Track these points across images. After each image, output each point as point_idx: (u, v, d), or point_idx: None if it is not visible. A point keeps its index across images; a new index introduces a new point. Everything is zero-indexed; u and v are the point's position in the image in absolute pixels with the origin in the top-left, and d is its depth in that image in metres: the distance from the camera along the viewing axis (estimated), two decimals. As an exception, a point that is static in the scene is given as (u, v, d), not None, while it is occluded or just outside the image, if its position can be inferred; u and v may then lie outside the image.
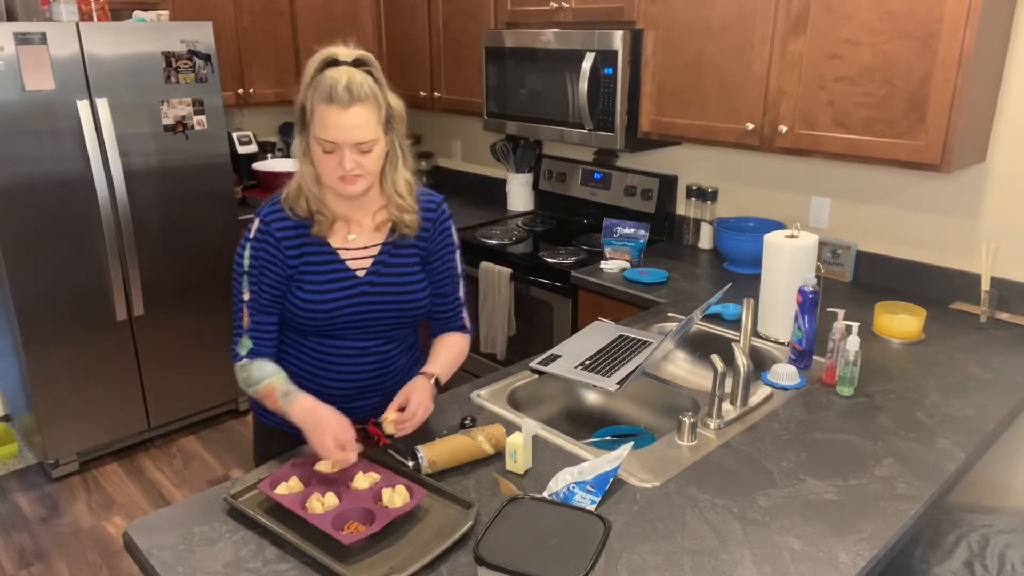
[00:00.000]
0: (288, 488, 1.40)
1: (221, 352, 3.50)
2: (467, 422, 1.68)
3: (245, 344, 1.57)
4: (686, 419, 1.61)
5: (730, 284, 2.46)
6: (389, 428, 1.50)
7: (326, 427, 1.44)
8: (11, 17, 2.93)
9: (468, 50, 3.39)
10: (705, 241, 2.98)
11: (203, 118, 3.25)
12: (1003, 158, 2.24)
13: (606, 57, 2.69)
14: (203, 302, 3.41)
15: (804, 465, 1.52)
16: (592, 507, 1.36)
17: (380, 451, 1.57)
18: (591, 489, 1.38)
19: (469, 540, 1.27)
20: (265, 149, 4.08)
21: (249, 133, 3.92)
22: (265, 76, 3.80)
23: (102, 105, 2.96)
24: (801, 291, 1.85)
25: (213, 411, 3.63)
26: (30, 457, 3.38)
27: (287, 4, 3.80)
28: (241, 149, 3.84)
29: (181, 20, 3.38)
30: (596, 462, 1.42)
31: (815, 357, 1.97)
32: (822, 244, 2.60)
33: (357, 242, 1.59)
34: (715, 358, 1.65)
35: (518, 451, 1.49)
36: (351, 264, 1.58)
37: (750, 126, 2.40)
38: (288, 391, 1.53)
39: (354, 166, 1.46)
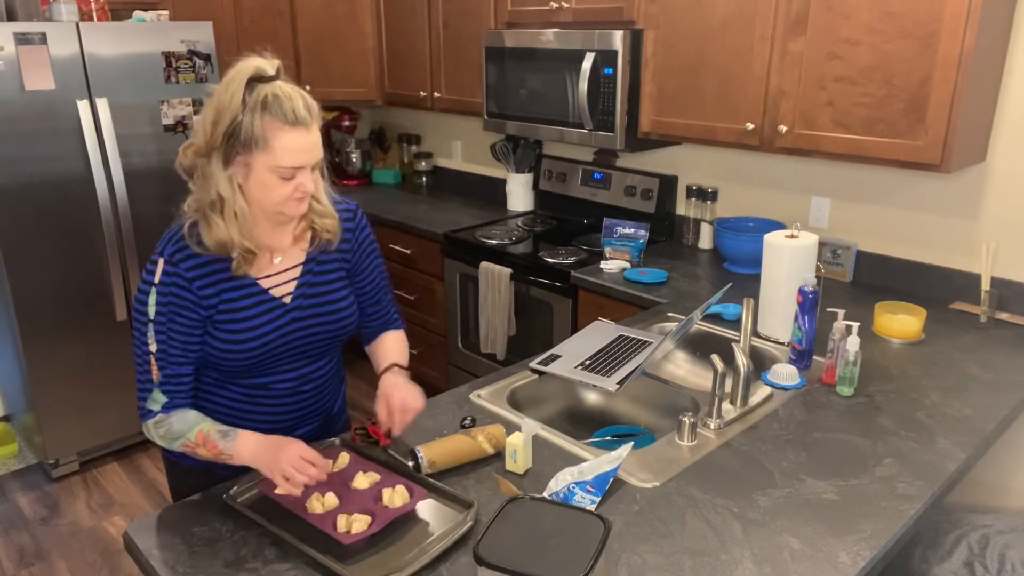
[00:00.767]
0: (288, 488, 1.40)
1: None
2: (467, 422, 1.68)
3: (157, 399, 1.41)
4: (686, 419, 1.61)
5: (730, 284, 2.46)
6: (324, 476, 1.39)
7: (287, 450, 1.34)
8: (11, 17, 2.93)
9: (468, 50, 3.39)
10: (705, 241, 2.98)
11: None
12: (1003, 158, 2.24)
13: (606, 57, 2.69)
14: (203, 302, 3.41)
15: (804, 465, 1.52)
16: (592, 507, 1.36)
17: (380, 451, 1.57)
18: (591, 489, 1.38)
19: (469, 540, 1.27)
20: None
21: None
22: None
23: (102, 105, 2.96)
24: (801, 291, 1.85)
25: (213, 411, 3.63)
26: (30, 457, 3.38)
27: (287, 4, 3.80)
28: (241, 149, 3.84)
29: (181, 20, 3.38)
30: (596, 462, 1.42)
31: (815, 357, 1.97)
32: (822, 244, 2.60)
33: (278, 266, 1.47)
34: (715, 358, 1.65)
35: (518, 451, 1.49)
36: (275, 292, 1.46)
37: (750, 126, 2.40)
38: (226, 431, 1.40)
39: (311, 185, 1.37)
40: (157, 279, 1.38)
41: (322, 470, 1.35)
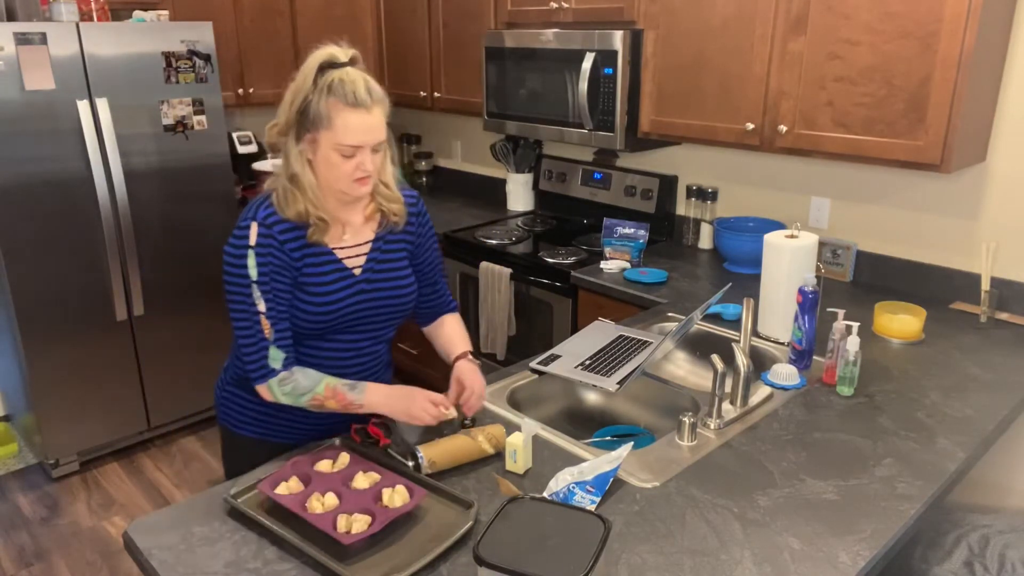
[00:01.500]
0: (288, 488, 1.40)
1: (221, 352, 3.50)
2: (467, 422, 1.68)
3: (275, 356, 1.49)
4: (686, 419, 1.61)
5: (730, 284, 2.46)
6: (455, 413, 1.55)
7: (414, 396, 1.52)
8: (11, 17, 2.93)
9: (468, 50, 3.39)
10: (705, 241, 2.98)
11: (203, 118, 3.25)
12: (1003, 158, 2.24)
13: (606, 57, 2.69)
14: (203, 302, 3.41)
15: (804, 465, 1.52)
16: (592, 507, 1.36)
17: (380, 451, 1.57)
18: (591, 489, 1.38)
19: (469, 540, 1.28)
20: (265, 149, 4.07)
21: (249, 133, 3.92)
22: (265, 76, 3.80)
23: (102, 105, 2.96)
24: (801, 291, 1.85)
25: (213, 411, 3.62)
26: (30, 457, 3.38)
27: (287, 4, 3.80)
28: (241, 149, 3.84)
29: (181, 20, 3.38)
30: (596, 462, 1.42)
31: (815, 357, 1.97)
32: (822, 244, 2.60)
33: (349, 240, 1.58)
34: (715, 358, 1.65)
35: (518, 451, 1.49)
36: (348, 263, 1.57)
37: (750, 126, 2.40)
38: (353, 384, 1.53)
39: (372, 166, 1.47)
40: (253, 241, 1.47)
41: (451, 411, 1.54)
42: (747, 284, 2.55)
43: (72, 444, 3.20)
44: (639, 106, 2.73)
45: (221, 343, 3.48)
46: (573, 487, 1.39)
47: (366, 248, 1.60)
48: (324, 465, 1.46)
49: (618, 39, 2.64)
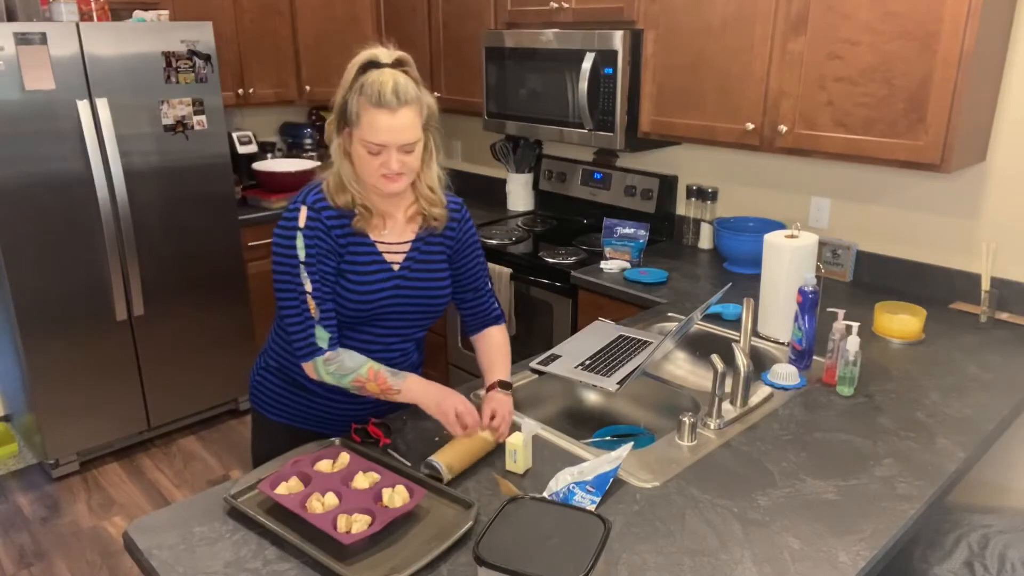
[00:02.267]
0: (288, 488, 1.40)
1: (221, 352, 3.50)
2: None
3: (322, 336, 1.54)
4: (686, 419, 1.61)
5: (730, 284, 2.46)
6: (490, 436, 1.55)
7: (451, 394, 1.55)
8: (11, 17, 2.93)
9: (468, 50, 3.39)
10: (705, 241, 2.98)
11: (203, 118, 3.25)
12: (1003, 158, 2.24)
13: (606, 57, 2.69)
14: (203, 302, 3.41)
15: (804, 465, 1.52)
16: (592, 507, 1.36)
17: (380, 451, 1.57)
18: (591, 489, 1.38)
19: (469, 540, 1.27)
20: (265, 149, 4.08)
21: (249, 133, 3.92)
22: (265, 76, 3.80)
23: (102, 105, 2.96)
24: (801, 291, 1.85)
25: (213, 411, 3.64)
26: (30, 457, 3.38)
27: (287, 4, 3.80)
28: (241, 149, 3.84)
29: (181, 20, 3.38)
30: (596, 462, 1.42)
31: (815, 357, 1.97)
32: (822, 244, 2.60)
33: (389, 236, 1.62)
34: (715, 358, 1.65)
35: (518, 451, 1.49)
36: (387, 257, 1.61)
37: (750, 126, 2.40)
38: (395, 371, 1.57)
39: (399, 166, 1.49)
40: (302, 223, 1.52)
41: (476, 424, 1.53)
42: (747, 284, 2.55)
43: (72, 444, 3.20)
44: (639, 106, 2.73)
45: (221, 342, 3.49)
46: (573, 487, 1.39)
47: (406, 247, 1.63)
48: (324, 465, 1.46)
49: (618, 39, 2.64)
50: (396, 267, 1.61)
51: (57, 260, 2.98)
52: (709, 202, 2.95)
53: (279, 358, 1.70)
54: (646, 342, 2.02)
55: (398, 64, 1.50)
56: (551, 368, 1.90)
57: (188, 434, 3.56)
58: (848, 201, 2.59)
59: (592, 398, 1.98)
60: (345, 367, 1.55)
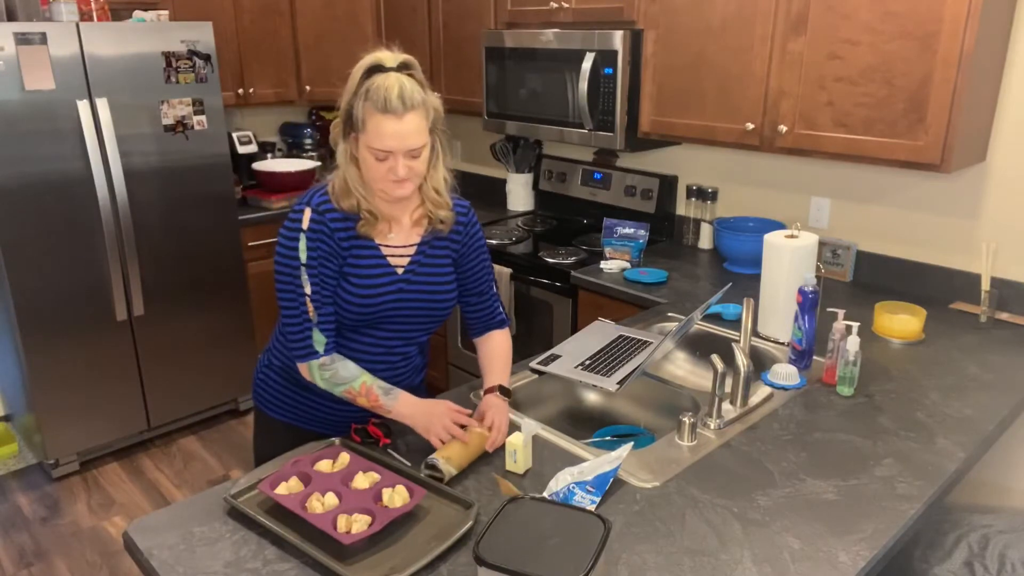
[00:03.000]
0: (288, 488, 1.40)
1: (221, 352, 3.50)
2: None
3: (319, 339, 1.54)
4: (686, 419, 1.61)
5: (730, 284, 2.46)
6: (478, 439, 1.53)
7: (436, 415, 1.54)
8: (11, 17, 2.93)
9: (468, 50, 3.39)
10: (705, 241, 2.98)
11: (203, 118, 3.25)
12: (1003, 158, 2.24)
13: (606, 57, 2.69)
14: (203, 302, 3.41)
15: (804, 465, 1.52)
16: (592, 507, 1.36)
17: (380, 451, 1.57)
18: (591, 489, 1.38)
19: (469, 540, 1.27)
20: (265, 149, 4.08)
21: (249, 133, 3.92)
22: (265, 76, 3.80)
23: (102, 105, 2.96)
24: (801, 291, 1.85)
25: (213, 411, 3.63)
26: (30, 457, 3.38)
27: (287, 4, 3.80)
28: (241, 149, 3.84)
29: (181, 20, 3.38)
30: (596, 462, 1.42)
31: (815, 357, 1.97)
32: (822, 244, 2.60)
33: (395, 239, 1.61)
34: (715, 358, 1.65)
35: (518, 451, 1.49)
36: (391, 260, 1.60)
37: (750, 126, 2.40)
38: (388, 388, 1.57)
39: (406, 172, 1.48)
40: (306, 225, 1.51)
41: (468, 432, 1.53)
42: (747, 284, 2.55)
43: (72, 444, 3.20)
44: (639, 106, 2.73)
45: (221, 342, 3.48)
46: (573, 487, 1.39)
47: (411, 251, 1.62)
48: (324, 465, 1.47)
49: (618, 39, 2.64)
50: (400, 271, 1.60)
51: (57, 260, 2.98)
52: (709, 202, 2.95)
53: (282, 357, 1.70)
54: (646, 342, 2.02)
55: (403, 67, 1.49)
56: (551, 368, 1.90)
57: (188, 434, 3.56)
58: (848, 201, 2.59)
59: (592, 398, 1.98)
60: (339, 376, 1.55)
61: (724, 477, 1.49)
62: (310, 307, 1.52)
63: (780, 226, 2.72)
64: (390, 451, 1.56)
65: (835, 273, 2.62)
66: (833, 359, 1.84)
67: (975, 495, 2.29)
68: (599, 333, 2.10)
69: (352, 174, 1.53)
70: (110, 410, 3.26)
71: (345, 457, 1.49)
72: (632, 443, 1.49)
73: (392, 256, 1.60)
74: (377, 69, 1.47)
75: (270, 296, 3.50)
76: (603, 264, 2.74)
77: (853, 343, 1.77)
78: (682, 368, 2.19)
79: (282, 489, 1.39)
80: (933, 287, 2.44)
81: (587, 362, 1.91)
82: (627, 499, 1.42)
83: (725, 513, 1.38)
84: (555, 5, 2.92)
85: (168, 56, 3.10)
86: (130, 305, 3.19)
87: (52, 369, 3.06)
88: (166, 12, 3.26)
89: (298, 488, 1.40)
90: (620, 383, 1.79)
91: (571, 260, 2.86)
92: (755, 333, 2.12)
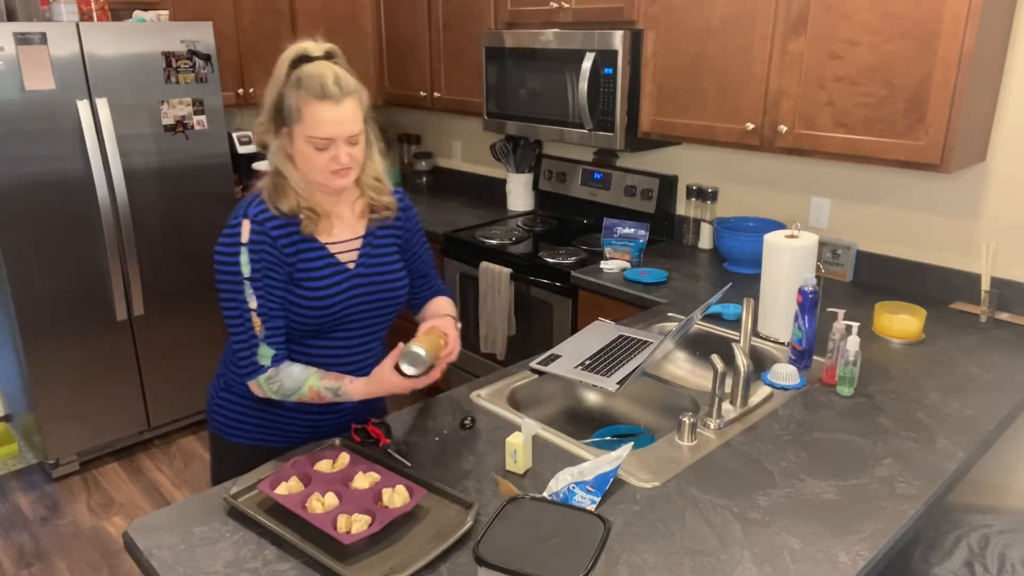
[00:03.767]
0: (288, 488, 1.40)
1: (221, 352, 3.50)
2: (467, 422, 1.68)
3: (264, 354, 1.51)
4: (686, 419, 1.61)
5: (730, 284, 2.46)
6: (420, 349, 1.49)
7: (385, 378, 1.51)
8: (11, 17, 2.93)
9: (468, 50, 3.39)
10: (705, 241, 2.98)
11: (203, 118, 3.25)
12: (1003, 158, 2.24)
13: (606, 57, 2.69)
14: (203, 302, 3.41)
15: (804, 465, 1.52)
16: (592, 507, 1.36)
17: (380, 451, 1.57)
18: (591, 489, 1.38)
19: (469, 540, 1.28)
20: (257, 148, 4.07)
21: (249, 133, 3.92)
22: (265, 76, 3.74)
23: (102, 105, 2.96)
24: (801, 291, 1.85)
25: (213, 411, 3.63)
26: (30, 457, 3.38)
27: (287, 4, 3.80)
28: (241, 149, 3.84)
29: (181, 20, 3.38)
30: (596, 462, 1.42)
31: (815, 357, 1.97)
32: (822, 244, 2.60)
33: (340, 235, 1.58)
34: (715, 358, 1.65)
35: (518, 451, 1.49)
36: (341, 257, 1.57)
37: (750, 126, 2.40)
38: (335, 388, 1.53)
39: (348, 159, 1.46)
40: (245, 238, 1.46)
41: (426, 380, 1.53)
42: (747, 284, 2.55)
43: (72, 444, 3.20)
44: (639, 106, 2.73)
45: (221, 343, 3.48)
46: (573, 487, 1.39)
47: (358, 243, 1.60)
48: (324, 465, 1.46)
49: (618, 39, 2.64)
50: (352, 265, 1.58)
51: (57, 260, 2.98)
52: (709, 202, 2.95)
53: (236, 377, 1.64)
54: (646, 342, 2.02)
55: (329, 56, 1.48)
56: (551, 368, 1.90)
57: (188, 434, 3.56)
58: (848, 201, 2.59)
59: (592, 398, 1.98)
60: (285, 388, 1.52)
61: (724, 477, 1.49)
62: (256, 322, 1.48)
63: (780, 226, 2.72)
64: (390, 451, 1.56)
65: (835, 273, 2.62)
66: (833, 359, 1.84)
67: (975, 495, 2.29)
68: (599, 333, 2.10)
69: (289, 171, 1.49)
70: (110, 410, 3.26)
71: (345, 457, 1.49)
72: (632, 443, 1.49)
73: (340, 252, 1.57)
74: (304, 59, 1.46)
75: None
76: (603, 264, 2.74)
77: (853, 343, 1.77)
78: (682, 368, 2.19)
79: (282, 489, 1.39)
80: (933, 287, 2.44)
81: (587, 362, 1.91)
82: (627, 499, 1.42)
83: (725, 513, 1.38)
84: (555, 5, 2.92)
85: (168, 56, 3.10)
86: (130, 305, 3.19)
87: (52, 369, 3.06)
88: (166, 12, 3.27)
89: (298, 488, 1.40)
90: (620, 383, 1.79)
91: (571, 260, 2.87)
92: (755, 333, 2.12)
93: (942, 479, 1.47)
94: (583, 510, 1.17)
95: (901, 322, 2.10)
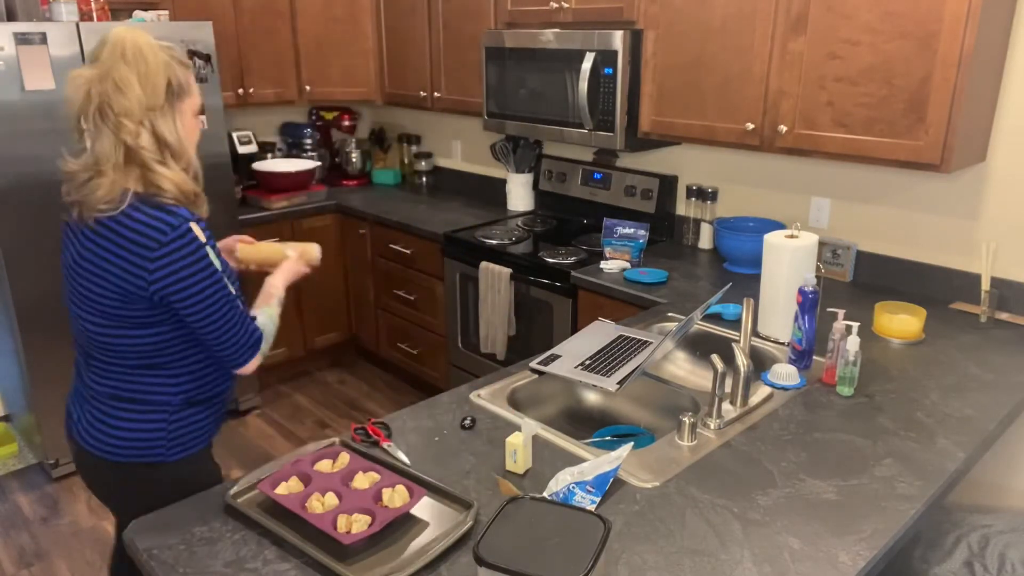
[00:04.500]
0: (288, 488, 1.40)
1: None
2: (467, 422, 1.68)
3: (255, 326, 1.59)
4: (686, 419, 1.61)
5: (730, 284, 2.46)
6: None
7: (286, 270, 1.78)
8: (11, 17, 2.93)
9: (468, 50, 3.39)
10: (705, 241, 2.98)
11: (203, 118, 3.24)
12: (1003, 158, 2.24)
13: (606, 57, 2.69)
14: (203, 302, 3.40)
15: (804, 465, 1.52)
16: (592, 507, 1.36)
17: (380, 451, 1.57)
18: (591, 489, 1.38)
19: (469, 540, 1.28)
20: (265, 149, 4.08)
21: (249, 133, 3.92)
22: (265, 76, 3.80)
23: (102, 105, 2.96)
24: (801, 291, 1.85)
25: (213, 411, 3.63)
26: (30, 457, 3.38)
27: (287, 4, 3.80)
28: (241, 149, 3.84)
29: (181, 20, 3.38)
30: (596, 462, 1.42)
31: (815, 357, 1.97)
32: (822, 244, 2.60)
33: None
34: (715, 358, 1.65)
35: (518, 451, 1.49)
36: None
37: (750, 126, 2.40)
38: (279, 300, 1.71)
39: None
40: (203, 237, 1.47)
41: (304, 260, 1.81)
42: (747, 284, 2.55)
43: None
44: (639, 106, 2.73)
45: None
46: (573, 487, 1.39)
47: None
48: (324, 465, 1.47)
49: (618, 39, 2.64)
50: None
51: (57, 260, 2.98)
52: (709, 202, 2.95)
53: (199, 386, 1.59)
54: (646, 342, 2.02)
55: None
56: (551, 368, 1.90)
57: (188, 434, 3.55)
58: (848, 201, 2.59)
59: (592, 398, 1.98)
60: (269, 335, 1.61)
61: (724, 477, 1.49)
62: (241, 305, 1.54)
63: (780, 226, 2.72)
64: (390, 451, 1.56)
65: (835, 273, 2.62)
66: (833, 359, 1.84)
67: (975, 495, 2.29)
68: (599, 333, 2.10)
69: (191, 152, 1.52)
70: (110, 410, 3.25)
71: (345, 457, 1.49)
72: (632, 443, 1.49)
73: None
74: (157, 42, 1.49)
75: (270, 296, 3.50)
76: (603, 264, 2.74)
77: (853, 343, 1.77)
78: (682, 368, 2.19)
79: (282, 489, 1.39)
80: (933, 287, 2.44)
81: (587, 362, 1.91)
82: (627, 499, 1.42)
83: (725, 513, 1.38)
84: (555, 5, 2.92)
85: (168, 56, 3.10)
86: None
87: (52, 369, 3.05)
88: (166, 12, 3.26)
89: (298, 488, 1.40)
90: (620, 383, 1.79)
91: (571, 260, 2.86)
92: (755, 333, 2.12)
93: (942, 479, 1.47)
94: (583, 510, 1.18)
95: (901, 322, 2.11)
